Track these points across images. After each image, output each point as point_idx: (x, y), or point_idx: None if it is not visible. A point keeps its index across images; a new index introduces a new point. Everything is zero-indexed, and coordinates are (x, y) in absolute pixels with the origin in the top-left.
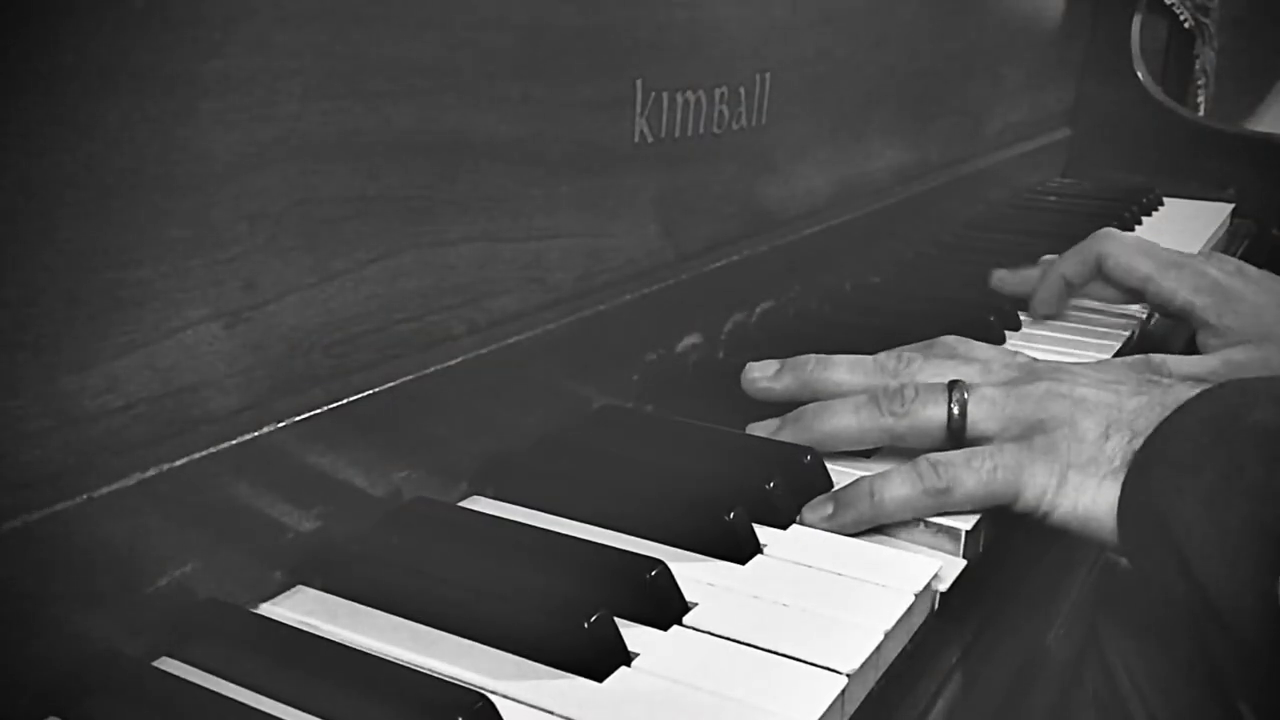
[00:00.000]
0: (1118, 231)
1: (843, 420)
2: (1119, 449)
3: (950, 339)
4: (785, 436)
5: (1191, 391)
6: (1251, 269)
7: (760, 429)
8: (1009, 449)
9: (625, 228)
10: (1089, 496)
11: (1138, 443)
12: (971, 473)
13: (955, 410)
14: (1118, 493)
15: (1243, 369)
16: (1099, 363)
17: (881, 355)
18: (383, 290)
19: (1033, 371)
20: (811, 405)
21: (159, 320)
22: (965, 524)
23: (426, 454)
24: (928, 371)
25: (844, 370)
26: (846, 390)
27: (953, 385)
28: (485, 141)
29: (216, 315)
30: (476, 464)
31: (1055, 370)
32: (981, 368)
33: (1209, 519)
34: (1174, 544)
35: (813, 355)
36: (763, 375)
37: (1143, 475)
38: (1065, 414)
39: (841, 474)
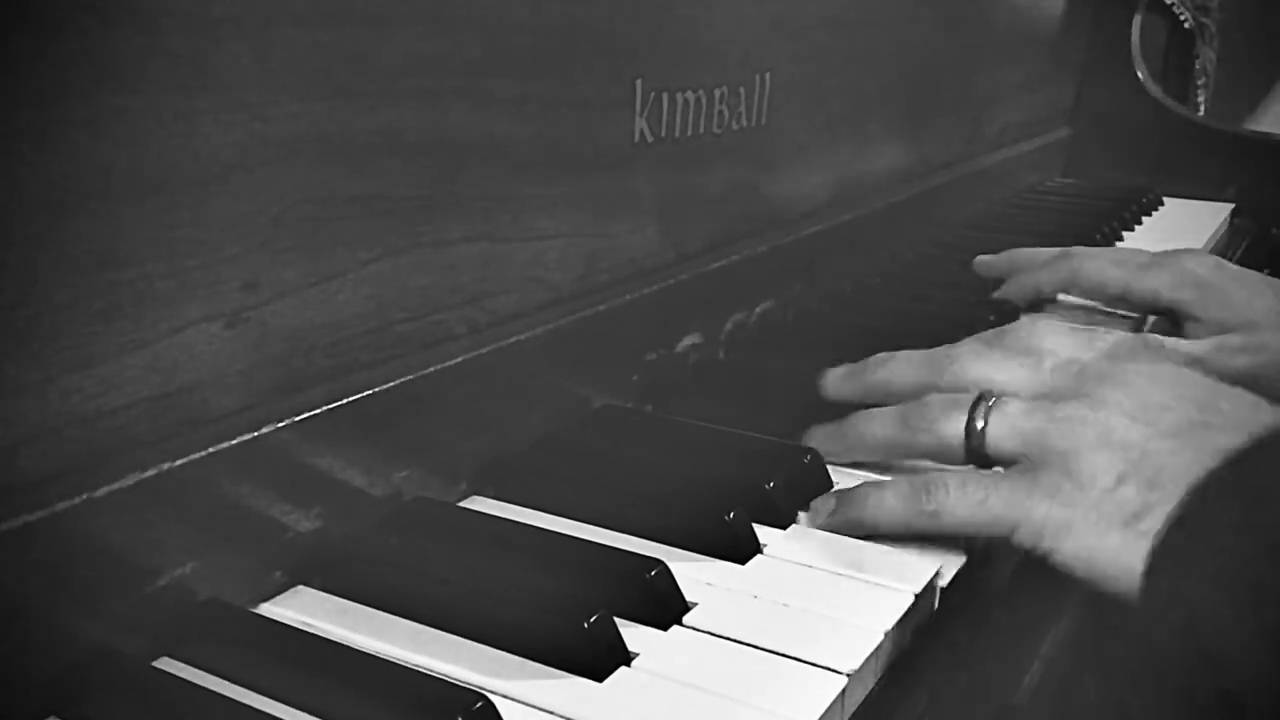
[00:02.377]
0: (1085, 249)
1: (870, 432)
2: (1133, 497)
3: (1026, 323)
4: (816, 442)
5: (1235, 439)
6: (1228, 263)
7: (818, 434)
8: (1009, 480)
9: (625, 228)
10: (1092, 543)
11: (1155, 496)
12: (961, 500)
13: (978, 424)
14: (1125, 543)
15: (1234, 352)
16: (1159, 367)
17: (941, 349)
18: (383, 290)
19: (1080, 378)
20: (856, 414)
21: (159, 320)
22: None
23: (426, 454)
24: (975, 369)
25: (895, 367)
26: (895, 390)
27: (980, 399)
28: (485, 141)
29: (216, 315)
30: (476, 464)
31: (1101, 381)
32: (1031, 368)
33: (1246, 620)
34: (1199, 636)
35: (880, 354)
36: (833, 379)
37: (1172, 558)
38: (1084, 445)
39: (844, 474)
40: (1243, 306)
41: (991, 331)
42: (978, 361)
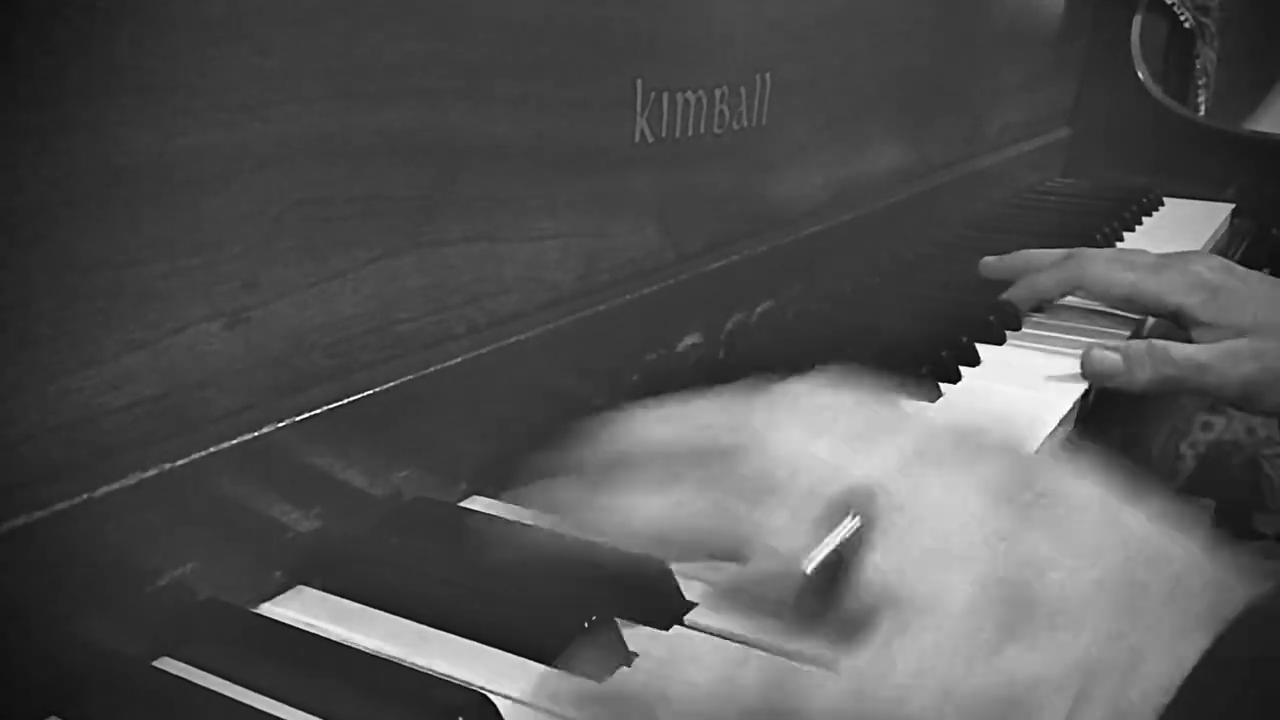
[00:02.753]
0: (1091, 250)
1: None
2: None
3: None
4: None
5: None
6: (1237, 266)
7: None
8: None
9: (625, 228)
10: None
11: None
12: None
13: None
14: None
15: (1241, 359)
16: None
17: (716, 405)
18: (383, 290)
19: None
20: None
21: (159, 320)
22: None
23: (426, 454)
24: (785, 442)
25: (651, 425)
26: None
27: (852, 493)
28: (485, 141)
29: (216, 315)
30: (476, 464)
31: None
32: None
33: None
34: None
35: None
36: None
37: None
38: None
39: None
40: (1251, 311)
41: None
42: (798, 436)
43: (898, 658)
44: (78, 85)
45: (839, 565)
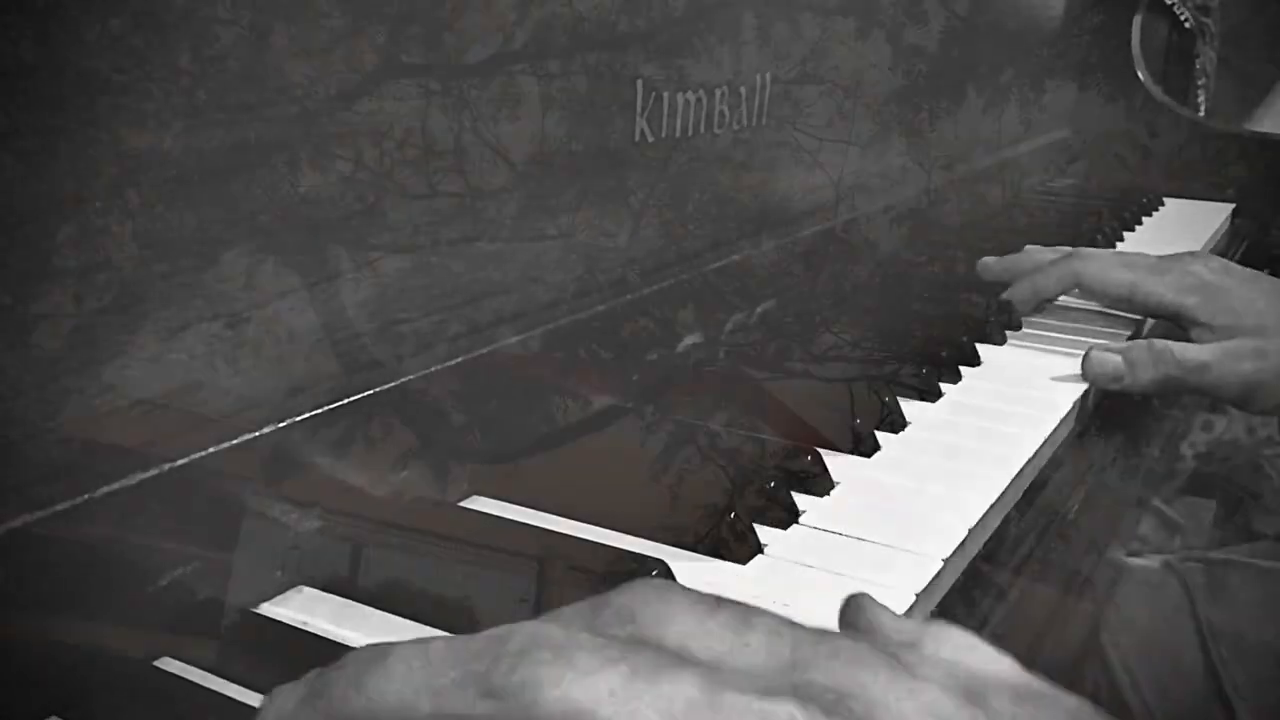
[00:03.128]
0: (1090, 250)
1: None
2: None
3: (632, 593)
4: None
5: None
6: (1237, 266)
7: None
8: None
9: (625, 228)
10: None
11: None
12: None
13: None
14: None
15: (1240, 358)
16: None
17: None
18: (383, 290)
19: None
20: None
21: (159, 320)
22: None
23: (426, 454)
24: (562, 689)
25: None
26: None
27: None
28: (486, 141)
29: (217, 315)
30: (476, 464)
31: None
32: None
33: None
34: None
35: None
36: None
37: None
38: None
39: (844, 473)
40: (1251, 311)
41: (586, 605)
42: (570, 678)
43: None
44: (78, 86)
45: None
